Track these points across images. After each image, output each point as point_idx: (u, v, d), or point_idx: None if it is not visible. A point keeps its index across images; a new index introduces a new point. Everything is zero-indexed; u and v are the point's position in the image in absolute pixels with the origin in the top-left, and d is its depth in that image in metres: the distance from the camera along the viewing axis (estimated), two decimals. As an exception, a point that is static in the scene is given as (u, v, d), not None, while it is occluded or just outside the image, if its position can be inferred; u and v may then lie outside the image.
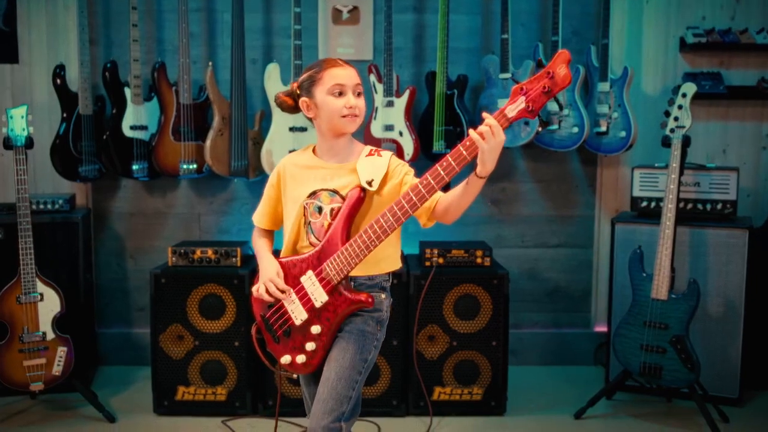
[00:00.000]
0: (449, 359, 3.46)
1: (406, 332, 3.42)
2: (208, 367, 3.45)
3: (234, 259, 3.49)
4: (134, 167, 3.81)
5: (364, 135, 3.85)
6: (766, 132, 4.06)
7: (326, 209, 2.15)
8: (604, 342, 3.92)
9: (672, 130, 3.37)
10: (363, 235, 2.06)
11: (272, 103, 3.76)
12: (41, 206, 3.72)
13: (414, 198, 2.00)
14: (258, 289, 2.23)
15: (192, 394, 3.46)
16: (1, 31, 3.97)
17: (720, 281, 3.53)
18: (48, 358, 3.35)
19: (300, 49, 3.76)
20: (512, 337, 3.62)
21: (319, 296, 2.13)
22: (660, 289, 3.32)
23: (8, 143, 3.33)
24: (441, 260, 3.49)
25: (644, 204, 3.72)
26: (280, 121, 3.76)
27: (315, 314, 2.15)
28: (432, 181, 1.98)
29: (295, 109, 2.23)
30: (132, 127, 3.80)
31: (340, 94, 2.11)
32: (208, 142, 3.79)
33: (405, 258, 3.70)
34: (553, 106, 3.79)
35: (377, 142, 3.81)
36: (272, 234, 2.38)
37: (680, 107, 3.36)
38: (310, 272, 2.15)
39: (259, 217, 2.35)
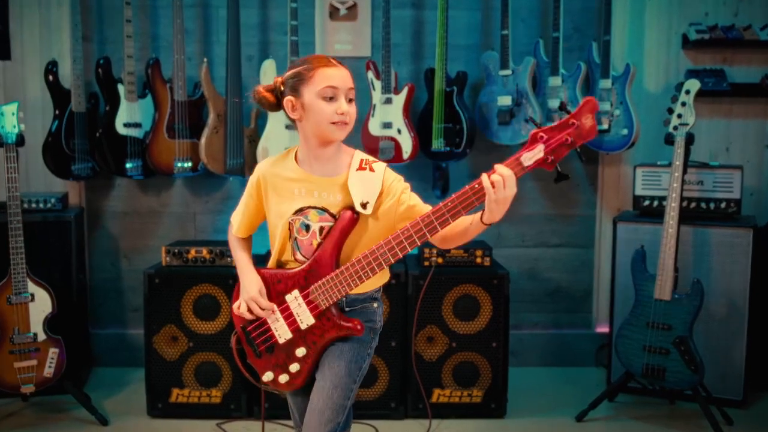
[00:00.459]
0: (448, 361, 3.40)
1: (405, 333, 3.36)
2: (202, 369, 3.39)
3: (229, 258, 3.42)
4: (128, 165, 3.75)
5: (361, 133, 3.80)
6: (770, 130, 4.02)
7: (314, 227, 2.02)
8: (606, 343, 3.86)
9: (675, 128, 3.32)
10: (356, 265, 1.95)
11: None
12: (33, 205, 3.65)
13: (414, 236, 1.90)
14: (239, 307, 2.09)
15: (186, 397, 3.40)
16: (-8, 27, 3.92)
17: (724, 281, 3.47)
18: (39, 360, 3.28)
19: (297, 46, 3.70)
20: (512, 337, 3.56)
21: (306, 319, 2.03)
22: (663, 289, 3.26)
23: (-1, 141, 3.27)
24: (440, 260, 3.43)
25: (647, 203, 3.66)
26: (276, 118, 3.70)
27: (300, 335, 2.05)
28: (435, 221, 1.88)
29: (275, 107, 2.04)
30: (126, 125, 3.74)
31: (332, 98, 1.94)
32: (203, 140, 3.73)
33: (403, 257, 3.63)
34: (553, 104, 3.74)
35: (375, 140, 3.75)
36: (250, 240, 2.23)
37: (684, 104, 3.31)
38: (296, 292, 2.03)
39: (238, 226, 2.19)
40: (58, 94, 3.74)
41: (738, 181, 3.53)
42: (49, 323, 3.32)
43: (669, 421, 3.41)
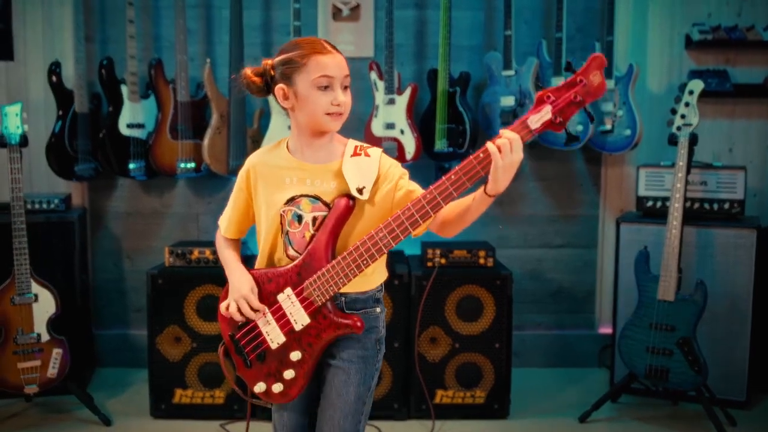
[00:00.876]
0: (451, 362, 3.40)
1: (408, 334, 3.36)
2: (206, 370, 3.39)
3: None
4: (131, 166, 3.75)
5: (364, 134, 3.80)
6: (774, 130, 4.01)
7: (307, 218, 1.88)
8: (609, 344, 3.85)
9: (679, 128, 3.32)
10: (354, 253, 1.80)
11: (270, 101, 3.69)
12: (36, 206, 3.66)
13: (416, 214, 1.76)
14: (228, 307, 1.92)
15: (190, 397, 3.40)
16: (-5, 27, 3.92)
17: (727, 282, 3.47)
18: (43, 360, 3.28)
19: (299, 46, 3.69)
20: (515, 338, 3.55)
21: (300, 318, 1.87)
22: (667, 290, 3.26)
23: (2, 141, 3.26)
24: (443, 261, 3.43)
25: (650, 203, 3.66)
26: (279, 119, 3.69)
27: (294, 338, 1.89)
28: (438, 197, 1.74)
29: (263, 92, 1.89)
30: (129, 126, 3.74)
31: (327, 87, 1.81)
32: (206, 141, 3.73)
33: (407, 258, 3.64)
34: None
35: (378, 141, 3.75)
36: (239, 242, 2.07)
37: (687, 105, 3.30)
38: (288, 290, 1.88)
39: (226, 225, 2.04)
40: (61, 95, 3.74)
41: (741, 182, 3.53)
42: (53, 324, 3.32)
43: (672, 422, 3.41)
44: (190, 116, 3.75)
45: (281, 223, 1.92)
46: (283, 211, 1.90)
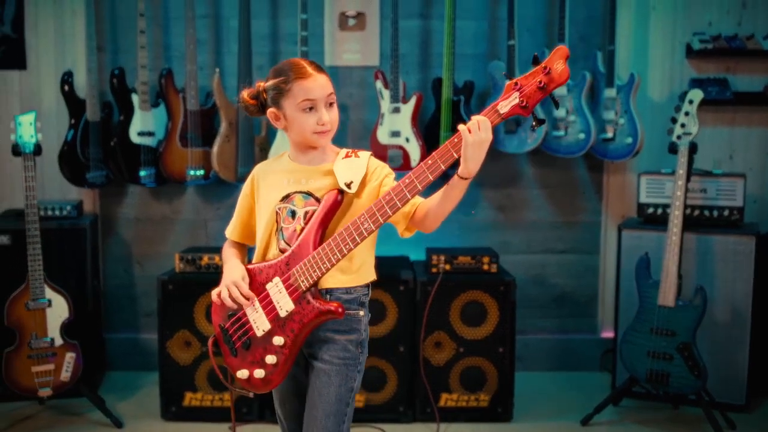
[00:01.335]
0: (456, 366, 3.46)
1: (413, 339, 3.42)
2: (215, 373, 3.45)
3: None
4: (141, 173, 3.82)
5: (370, 141, 3.86)
6: (773, 138, 4.07)
7: (300, 213, 2.00)
8: (611, 348, 3.91)
9: (679, 137, 3.37)
10: (337, 238, 1.91)
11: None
12: (49, 212, 3.73)
13: (394, 198, 1.86)
14: (219, 293, 2.03)
15: (199, 400, 3.47)
16: (8, 37, 3.99)
17: (727, 288, 3.52)
18: (56, 364, 3.36)
19: (306, 56, 3.77)
20: (518, 342, 3.61)
21: (285, 304, 1.96)
22: (667, 295, 3.31)
23: (17, 150, 3.34)
24: (448, 267, 3.49)
25: (651, 210, 3.72)
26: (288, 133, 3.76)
27: (279, 324, 1.98)
28: (415, 180, 1.85)
29: (260, 112, 2.05)
30: (139, 134, 3.81)
31: (311, 108, 1.96)
32: (215, 148, 3.80)
33: (412, 264, 3.70)
34: (560, 112, 3.80)
35: (383, 149, 3.82)
36: (245, 249, 2.19)
37: (687, 114, 3.36)
38: (277, 278, 1.98)
39: (232, 229, 2.17)
40: (74, 104, 3.82)
41: (741, 189, 3.58)
42: (66, 329, 3.39)
43: (672, 425, 3.47)
44: (199, 124, 3.83)
45: (276, 221, 2.03)
46: (279, 209, 2.03)
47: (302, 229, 1.98)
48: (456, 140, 1.83)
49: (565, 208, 4.16)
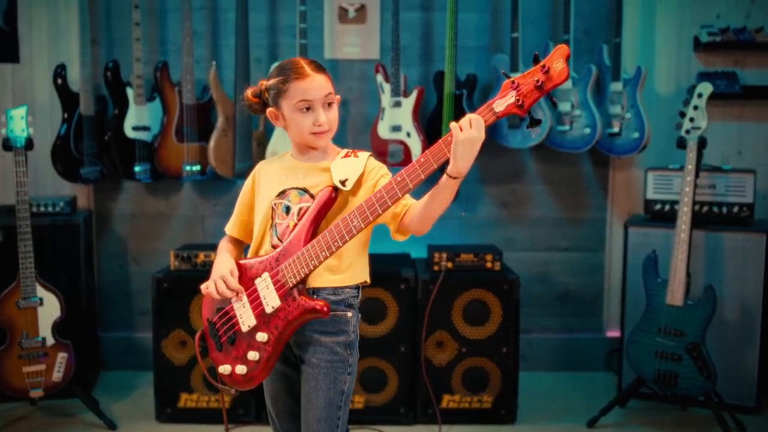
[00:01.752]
0: (458, 366, 3.38)
1: (414, 338, 3.34)
2: (211, 374, 3.36)
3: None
4: (136, 169, 3.74)
5: (370, 136, 3.78)
6: (783, 133, 3.98)
7: (294, 209, 1.98)
8: (616, 348, 3.83)
9: (687, 131, 3.29)
10: (326, 235, 1.88)
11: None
12: (41, 208, 3.64)
13: (385, 196, 1.83)
14: (207, 287, 2.02)
15: (195, 402, 3.39)
16: (1, 30, 3.90)
17: (736, 287, 3.44)
18: (48, 364, 3.28)
19: (305, 48, 3.68)
20: (522, 342, 3.53)
21: (271, 300, 1.93)
22: (675, 294, 3.23)
23: (7, 144, 3.26)
24: (450, 264, 3.41)
25: (658, 207, 3.64)
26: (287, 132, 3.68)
27: (264, 321, 1.95)
28: (407, 178, 1.81)
29: (263, 111, 2.05)
30: (134, 128, 3.73)
31: (308, 109, 1.94)
32: (211, 143, 3.72)
33: (413, 262, 3.62)
34: (565, 106, 3.71)
35: (384, 143, 3.73)
36: (242, 246, 2.15)
37: (696, 108, 3.28)
38: (265, 274, 1.96)
39: (231, 225, 2.15)
40: (67, 98, 3.73)
41: (751, 185, 3.50)
42: (58, 328, 3.31)
43: (681, 427, 3.39)
44: (195, 119, 3.74)
45: (271, 216, 2.02)
46: (274, 204, 2.01)
47: (295, 225, 1.96)
48: (449, 138, 1.79)
49: (570, 204, 4.08)
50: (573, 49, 3.71)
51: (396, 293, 3.33)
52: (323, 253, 1.88)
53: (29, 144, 3.28)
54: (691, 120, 3.28)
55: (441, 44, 3.81)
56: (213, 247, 3.54)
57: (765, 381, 3.51)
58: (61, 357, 3.30)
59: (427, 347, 3.36)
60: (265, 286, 1.95)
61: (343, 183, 1.94)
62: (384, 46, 3.91)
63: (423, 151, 3.66)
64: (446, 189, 1.83)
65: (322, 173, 1.99)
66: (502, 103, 1.76)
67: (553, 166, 4.04)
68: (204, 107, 3.78)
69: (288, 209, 1.99)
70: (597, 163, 4.03)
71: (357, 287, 2.02)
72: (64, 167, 3.74)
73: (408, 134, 3.73)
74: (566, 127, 3.74)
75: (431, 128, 3.78)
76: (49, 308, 3.28)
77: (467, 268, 3.42)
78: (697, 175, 3.28)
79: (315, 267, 1.90)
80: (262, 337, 1.94)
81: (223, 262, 2.03)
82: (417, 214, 1.91)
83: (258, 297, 1.96)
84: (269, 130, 3.79)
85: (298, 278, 1.91)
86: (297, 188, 1.99)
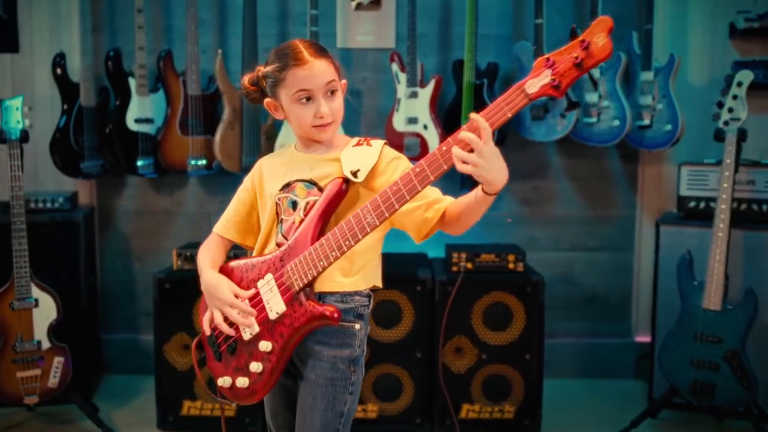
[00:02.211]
0: (478, 373, 3.18)
1: (431, 344, 3.15)
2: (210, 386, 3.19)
3: (244, 262, 3.23)
4: (139, 163, 3.57)
5: (385, 129, 3.59)
6: (825, 125, 3.73)
7: (301, 203, 1.78)
8: (646, 354, 3.61)
9: (726, 123, 3.06)
10: (336, 232, 1.68)
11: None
12: (40, 204, 3.48)
13: (403, 188, 1.62)
14: (212, 320, 1.79)
15: (198, 409, 3.21)
16: (0, 18, 3.74)
17: (778, 290, 3.21)
18: (43, 369, 3.10)
19: (317, 37, 3.49)
20: (545, 347, 3.32)
21: (276, 305, 1.74)
22: (712, 298, 3.01)
23: (2, 137, 3.09)
24: (469, 265, 3.21)
25: (692, 204, 3.41)
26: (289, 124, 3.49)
27: (267, 328, 1.75)
28: (427, 169, 1.60)
29: (262, 100, 1.85)
30: (137, 120, 3.56)
31: (308, 99, 1.74)
32: (217, 136, 3.54)
33: (430, 262, 3.42)
34: (592, 98, 3.49)
35: (400, 136, 3.53)
36: (228, 250, 1.93)
37: (735, 97, 3.05)
38: (269, 275, 1.76)
39: (222, 224, 1.93)
40: (67, 88, 3.58)
41: (793, 181, 3.27)
42: (55, 330, 3.14)
43: (717, 440, 3.17)
44: (201, 111, 3.56)
45: (277, 213, 1.82)
46: (279, 199, 1.82)
47: (301, 221, 1.76)
48: (475, 125, 1.58)
49: (597, 201, 3.87)
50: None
51: (412, 295, 3.14)
52: (333, 253, 1.69)
53: (25, 136, 3.11)
54: (730, 110, 3.05)
55: (460, 32, 3.60)
56: (218, 246, 3.36)
57: (808, 391, 3.28)
58: (57, 361, 3.13)
59: (445, 353, 3.17)
60: (268, 290, 1.76)
61: (354, 174, 1.73)
62: (400, 34, 3.71)
63: (440, 143, 3.48)
64: (484, 204, 1.65)
65: (331, 164, 1.79)
66: (536, 83, 1.54)
67: (578, 160, 3.82)
68: (210, 98, 3.60)
69: (294, 204, 1.79)
70: (626, 157, 3.82)
71: (368, 294, 1.83)
72: (63, 161, 3.58)
73: (425, 127, 3.53)
74: (593, 119, 3.52)
75: (449, 120, 3.57)
76: (45, 310, 3.11)
77: (488, 268, 3.22)
78: (736, 170, 3.05)
79: (324, 268, 1.70)
80: (265, 346, 1.75)
81: (219, 285, 1.78)
82: (451, 219, 1.73)
83: (261, 302, 1.76)
84: (278, 122, 3.60)
85: (305, 281, 1.71)
86: (303, 180, 1.79)
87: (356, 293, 1.79)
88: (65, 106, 3.57)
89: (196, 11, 3.52)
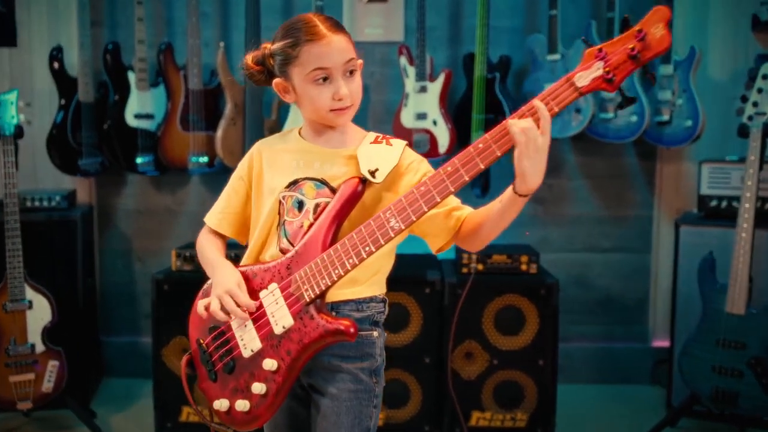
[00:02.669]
0: (489, 380, 3.06)
1: (440, 348, 3.03)
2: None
3: (246, 263, 3.12)
4: (138, 160, 3.46)
5: (393, 125, 3.46)
6: None
7: (309, 205, 1.61)
8: (664, 359, 3.48)
9: (750, 118, 2.92)
10: (354, 237, 1.52)
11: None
12: (36, 203, 3.38)
13: (432, 190, 1.47)
14: (209, 306, 1.60)
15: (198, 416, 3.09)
16: (-2, 11, 3.65)
17: (805, 293, 3.07)
18: (37, 374, 3.00)
19: (322, 29, 3.36)
20: (559, 351, 3.19)
21: (282, 319, 1.56)
22: (736, 302, 2.88)
23: (-3, 132, 2.99)
24: (480, 266, 3.08)
25: (714, 203, 3.27)
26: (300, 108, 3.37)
27: (272, 344, 1.57)
28: (461, 168, 1.46)
29: (267, 82, 1.65)
30: (136, 116, 3.46)
31: (325, 79, 1.56)
32: (219, 132, 3.42)
33: (439, 263, 3.30)
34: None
35: (408, 133, 3.41)
36: (225, 242, 1.75)
37: (760, 91, 2.91)
38: (273, 285, 1.59)
39: (216, 217, 1.74)
40: (64, 83, 3.48)
41: (820, 179, 3.13)
42: (50, 333, 3.04)
43: (741, 450, 3.03)
44: (202, 106, 3.45)
45: (279, 212, 1.64)
46: (283, 197, 1.64)
47: (310, 225, 1.59)
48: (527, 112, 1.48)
49: (613, 200, 3.74)
50: (618, 27, 3.36)
51: (420, 298, 3.03)
52: (350, 261, 1.52)
53: (19, 132, 3.01)
54: (755, 105, 2.91)
55: (471, 24, 3.49)
56: (219, 246, 3.25)
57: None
58: (52, 365, 3.02)
59: (455, 358, 3.05)
60: (273, 301, 1.58)
61: (372, 174, 1.56)
62: (409, 27, 3.59)
63: (450, 141, 3.37)
64: (514, 206, 1.52)
65: (345, 162, 1.62)
66: (586, 75, 1.42)
67: (594, 158, 3.70)
68: (211, 93, 3.49)
69: (301, 204, 1.62)
70: (643, 154, 3.69)
71: (383, 299, 1.68)
72: (61, 158, 3.48)
73: (434, 122, 3.40)
74: (610, 115, 3.39)
75: (460, 116, 3.45)
76: (39, 312, 3.01)
77: (500, 270, 3.10)
78: (760, 167, 2.91)
79: (339, 277, 1.53)
80: (270, 364, 1.57)
81: (225, 275, 1.61)
82: (474, 228, 1.59)
83: (264, 314, 1.59)
84: (283, 117, 3.49)
85: (317, 291, 1.54)
86: (313, 179, 1.62)
87: (371, 299, 1.65)
88: (63, 102, 3.47)
89: (197, 3, 3.41)
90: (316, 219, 1.58)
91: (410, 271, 3.06)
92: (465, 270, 3.09)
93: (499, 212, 1.54)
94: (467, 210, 1.62)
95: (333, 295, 1.59)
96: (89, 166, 3.50)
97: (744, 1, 3.56)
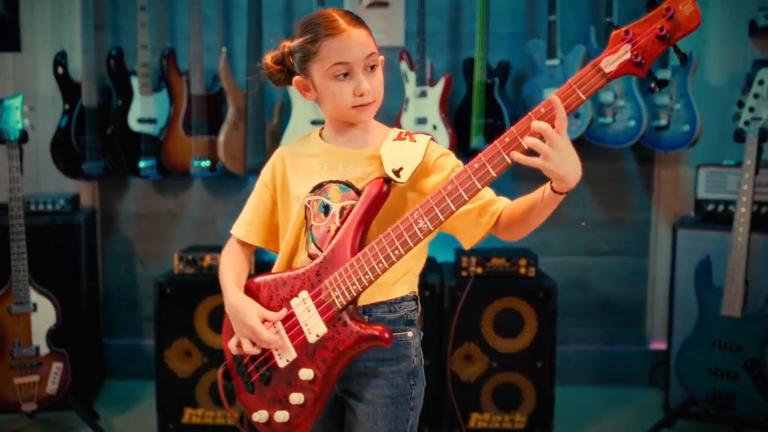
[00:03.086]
0: (488, 382, 3.08)
1: (440, 351, 3.05)
2: (218, 388, 3.10)
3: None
4: (141, 164, 3.49)
5: (393, 129, 3.49)
6: None
7: (335, 208, 1.57)
8: (662, 361, 3.50)
9: (746, 123, 2.96)
10: (383, 240, 1.49)
11: (291, 93, 3.43)
12: (40, 206, 3.40)
13: (460, 188, 1.43)
14: (239, 345, 1.61)
15: (200, 417, 3.13)
16: (2, 17, 3.67)
17: (801, 296, 3.09)
18: (41, 376, 3.03)
19: (323, 35, 3.39)
20: (558, 354, 3.22)
21: (315, 327, 1.54)
22: (732, 305, 2.90)
23: (0, 137, 3.02)
24: (479, 270, 3.11)
25: (710, 207, 3.30)
26: (301, 113, 3.40)
27: (307, 353, 1.55)
28: (487, 164, 1.40)
29: (287, 81, 1.63)
30: (139, 120, 3.48)
31: (346, 75, 1.53)
32: (221, 137, 3.45)
33: (438, 266, 3.32)
34: (606, 96, 3.38)
35: (408, 137, 3.44)
36: (249, 257, 1.72)
37: (756, 96, 2.94)
38: (304, 293, 1.56)
39: (245, 228, 1.71)
40: (68, 88, 3.51)
41: (816, 184, 3.16)
42: (54, 336, 3.06)
43: (737, 452, 3.05)
44: (204, 110, 3.48)
45: (305, 217, 1.62)
46: (308, 202, 1.61)
47: (337, 230, 1.56)
48: (543, 110, 1.41)
49: (611, 204, 3.76)
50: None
51: (420, 301, 3.02)
52: (380, 265, 1.49)
53: (24, 136, 3.04)
54: (751, 110, 2.94)
55: (471, 29, 3.52)
56: (221, 249, 3.27)
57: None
58: (56, 367, 3.05)
59: (454, 361, 3.07)
60: (305, 309, 1.56)
61: (397, 173, 1.52)
62: (409, 32, 3.62)
63: (450, 146, 3.39)
64: (551, 205, 1.48)
65: (368, 162, 1.58)
66: (613, 60, 1.35)
67: (592, 162, 3.70)
68: (214, 98, 3.52)
69: (327, 208, 1.59)
70: (641, 159, 3.71)
71: (415, 297, 1.65)
72: (64, 162, 3.51)
73: (434, 127, 3.43)
74: (608, 120, 3.42)
75: (460, 120, 3.48)
76: (44, 314, 3.04)
77: (499, 273, 3.12)
78: (756, 172, 2.94)
79: (370, 282, 1.51)
80: (306, 374, 1.55)
81: (243, 307, 1.59)
82: (513, 221, 1.53)
83: (297, 323, 1.57)
84: (284, 122, 3.51)
85: (349, 298, 1.52)
86: (338, 182, 1.59)
87: (403, 299, 1.62)
88: (67, 106, 3.50)
89: (199, 9, 3.44)
90: (342, 222, 1.56)
91: (410, 275, 3.09)
92: (464, 273, 3.11)
93: (538, 208, 1.50)
94: (503, 203, 1.56)
95: (364, 298, 1.57)
96: (93, 170, 3.53)
97: (741, 6, 3.59)
